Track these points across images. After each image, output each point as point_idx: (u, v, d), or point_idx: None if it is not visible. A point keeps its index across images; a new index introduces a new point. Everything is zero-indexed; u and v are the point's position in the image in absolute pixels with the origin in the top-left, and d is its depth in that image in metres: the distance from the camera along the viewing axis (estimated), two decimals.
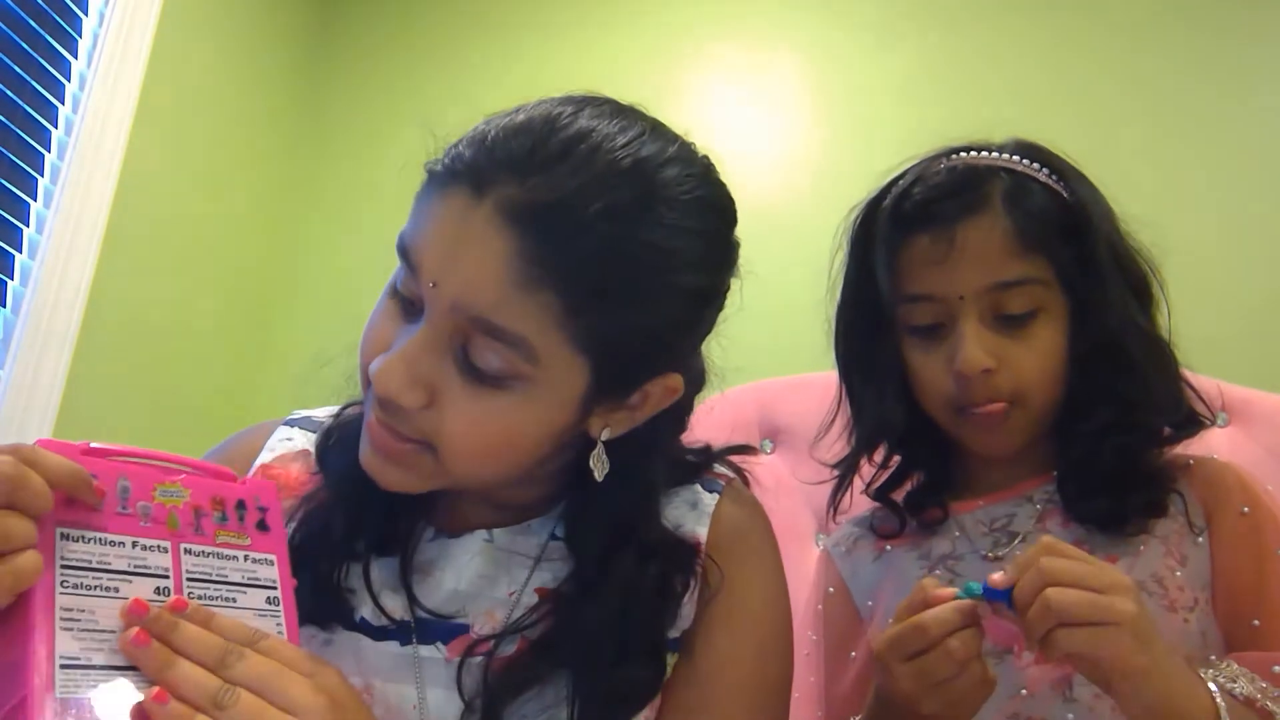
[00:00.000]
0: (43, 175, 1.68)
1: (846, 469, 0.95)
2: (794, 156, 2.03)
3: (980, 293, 0.82)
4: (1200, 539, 0.82)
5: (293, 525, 0.69)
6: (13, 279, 1.62)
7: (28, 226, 1.65)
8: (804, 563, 1.54)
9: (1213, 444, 1.34)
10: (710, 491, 0.75)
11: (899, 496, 0.95)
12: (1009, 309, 0.82)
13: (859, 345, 0.92)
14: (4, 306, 1.61)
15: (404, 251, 0.61)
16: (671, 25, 2.19)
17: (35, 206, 1.67)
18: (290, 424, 0.79)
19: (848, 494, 0.96)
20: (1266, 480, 0.90)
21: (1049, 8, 1.95)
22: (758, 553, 0.74)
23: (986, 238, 0.82)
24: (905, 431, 0.92)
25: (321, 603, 0.67)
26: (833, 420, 0.96)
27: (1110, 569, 0.66)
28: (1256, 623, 0.79)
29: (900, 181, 0.89)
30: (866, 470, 0.97)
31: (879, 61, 2.03)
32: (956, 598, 0.67)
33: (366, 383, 0.62)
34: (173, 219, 1.95)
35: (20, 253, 1.64)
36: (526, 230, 0.57)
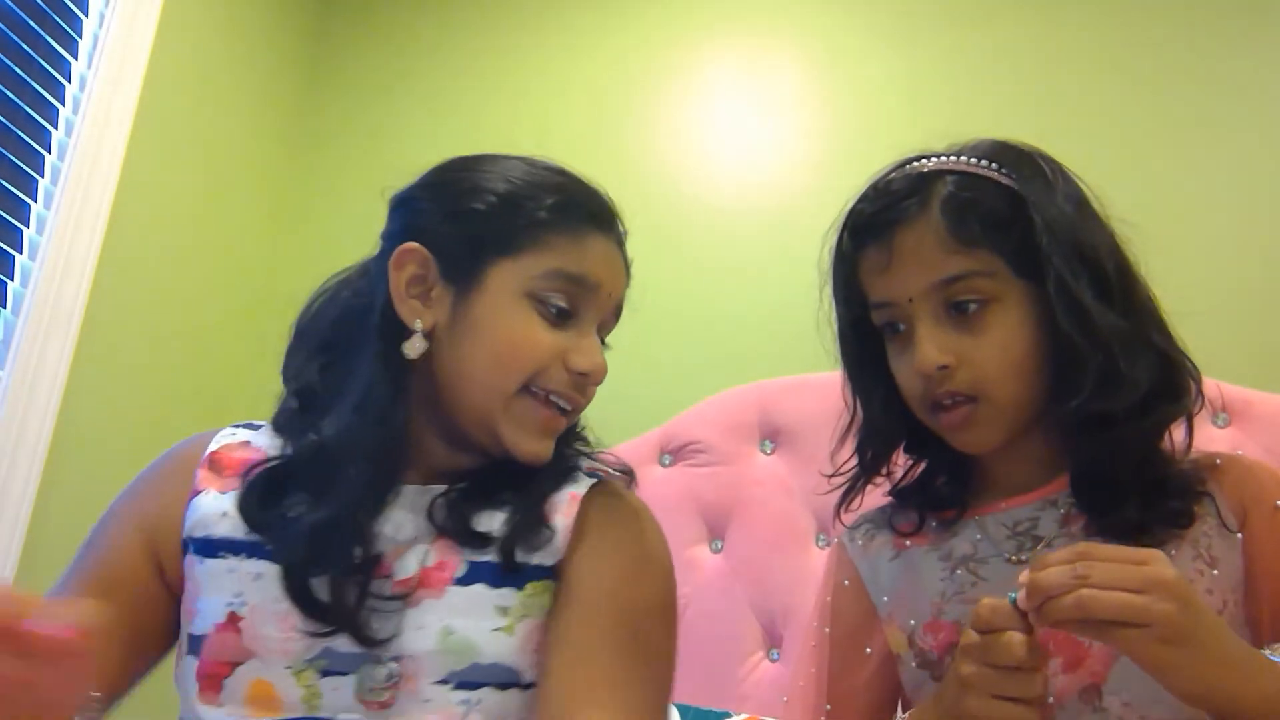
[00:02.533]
0: (43, 176, 1.68)
1: (855, 481, 0.95)
2: (794, 155, 2.03)
3: (925, 293, 0.84)
4: (1236, 538, 0.81)
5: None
6: (13, 280, 1.62)
7: (28, 228, 1.65)
8: (804, 563, 1.54)
9: (1213, 445, 1.34)
10: (592, 478, 0.89)
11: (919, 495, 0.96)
12: (957, 305, 0.83)
13: (851, 358, 0.95)
14: (4, 307, 1.61)
15: (579, 278, 0.83)
16: (672, 25, 2.19)
17: (35, 208, 1.67)
18: (234, 426, 0.90)
19: (857, 495, 0.97)
20: None
21: (1051, 8, 1.95)
22: (633, 511, 0.86)
23: (920, 240, 0.84)
24: (916, 435, 0.93)
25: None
26: (845, 432, 0.97)
27: (1152, 561, 0.65)
28: None
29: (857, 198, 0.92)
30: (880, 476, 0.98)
31: (881, 61, 2.02)
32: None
33: (522, 385, 0.81)
34: (173, 220, 1.96)
35: (20, 254, 1.64)
36: (624, 251, 0.90)
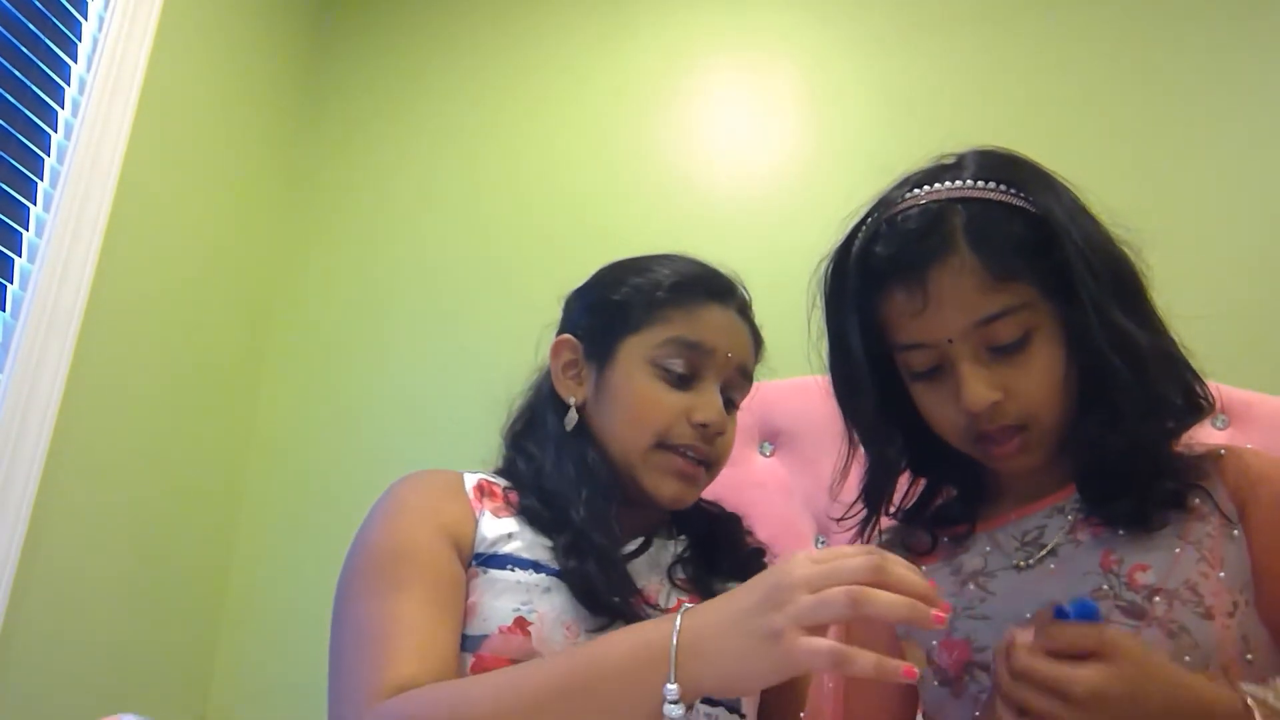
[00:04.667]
0: (42, 179, 1.68)
1: (866, 522, 0.95)
2: (790, 163, 2.04)
3: (966, 332, 0.82)
4: (1236, 532, 0.80)
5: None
6: (12, 283, 1.62)
7: (27, 230, 1.65)
8: None
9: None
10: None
11: (929, 511, 0.96)
12: (1000, 340, 0.82)
13: (853, 394, 0.92)
14: (3, 310, 1.61)
15: (695, 344, 0.97)
16: (673, 40, 2.20)
17: (35, 210, 1.67)
18: (468, 473, 1.00)
19: (872, 531, 0.96)
20: None
21: (1037, 18, 1.95)
22: None
23: (957, 280, 0.81)
24: (928, 456, 0.93)
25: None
26: (846, 464, 0.96)
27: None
28: None
29: (863, 230, 0.89)
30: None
31: (873, 73, 2.04)
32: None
33: (654, 442, 0.96)
34: (172, 222, 1.96)
35: (20, 256, 1.64)
36: (749, 319, 1.05)
